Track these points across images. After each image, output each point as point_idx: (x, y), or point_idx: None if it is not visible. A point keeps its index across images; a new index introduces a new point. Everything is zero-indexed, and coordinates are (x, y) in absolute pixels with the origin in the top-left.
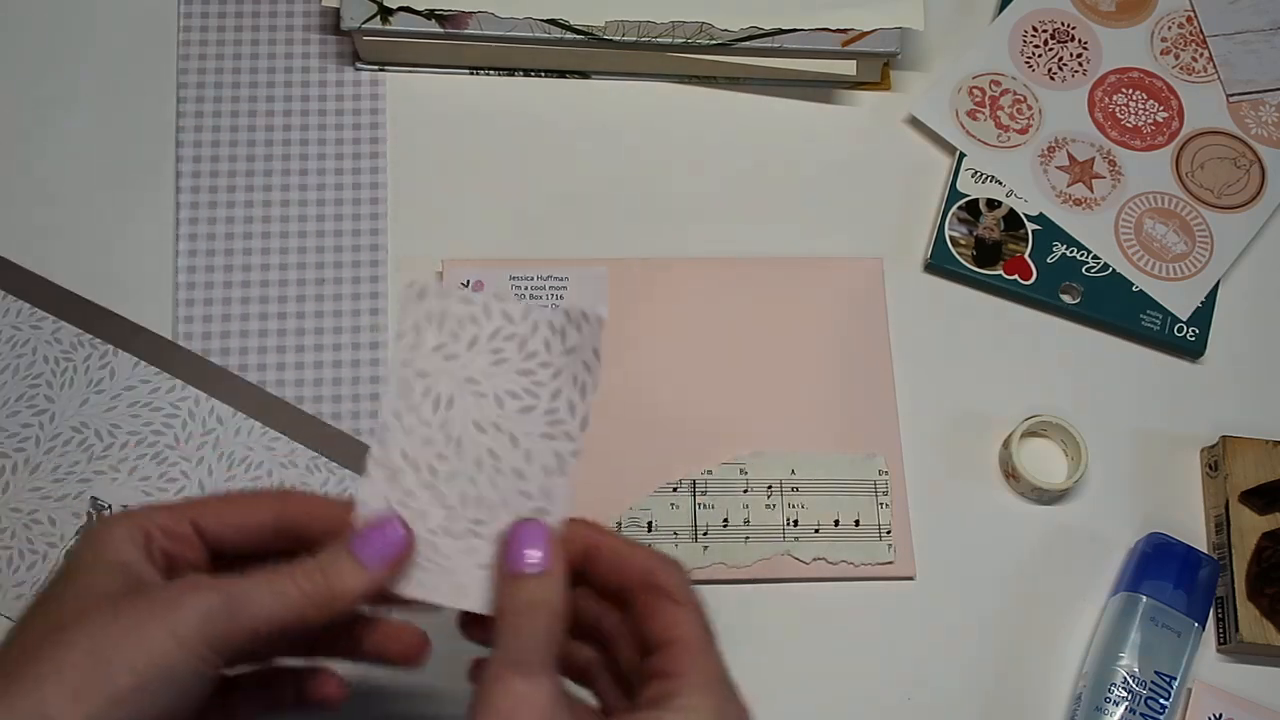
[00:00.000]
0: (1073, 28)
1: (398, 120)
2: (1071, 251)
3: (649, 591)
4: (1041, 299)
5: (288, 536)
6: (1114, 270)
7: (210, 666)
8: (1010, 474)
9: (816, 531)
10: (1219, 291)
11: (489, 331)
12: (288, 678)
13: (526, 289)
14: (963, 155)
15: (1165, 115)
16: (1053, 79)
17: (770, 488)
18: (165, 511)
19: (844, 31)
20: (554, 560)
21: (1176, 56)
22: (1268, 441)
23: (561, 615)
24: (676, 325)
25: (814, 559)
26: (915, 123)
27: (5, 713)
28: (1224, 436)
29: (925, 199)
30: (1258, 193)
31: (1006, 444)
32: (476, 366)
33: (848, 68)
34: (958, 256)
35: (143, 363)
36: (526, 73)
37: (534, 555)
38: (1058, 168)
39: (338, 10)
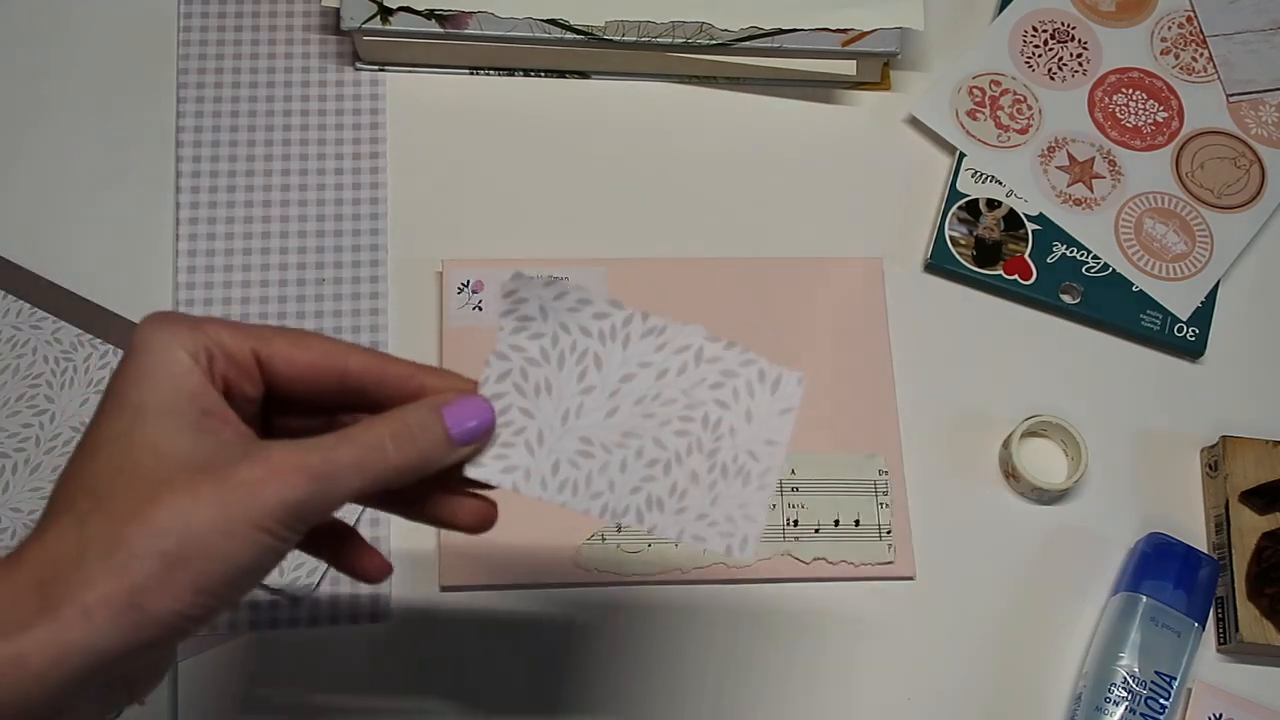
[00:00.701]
0: (1073, 28)
1: (398, 120)
2: (1071, 251)
3: None
4: (1041, 299)
5: (350, 392)
6: (1114, 270)
7: (293, 543)
8: (1010, 474)
9: (816, 531)
10: (1219, 291)
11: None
12: (326, 545)
13: None
14: (963, 155)
15: (1165, 115)
16: (1053, 79)
17: None
18: (229, 331)
19: (844, 31)
20: None
21: (1176, 56)
22: (1268, 441)
23: None
24: None
25: (814, 559)
26: (915, 123)
27: (97, 599)
28: (1224, 436)
29: (925, 199)
30: (1258, 193)
31: (1006, 444)
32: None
33: (848, 68)
34: (958, 256)
35: None
36: (526, 73)
37: None
38: (1058, 168)
39: (338, 10)
